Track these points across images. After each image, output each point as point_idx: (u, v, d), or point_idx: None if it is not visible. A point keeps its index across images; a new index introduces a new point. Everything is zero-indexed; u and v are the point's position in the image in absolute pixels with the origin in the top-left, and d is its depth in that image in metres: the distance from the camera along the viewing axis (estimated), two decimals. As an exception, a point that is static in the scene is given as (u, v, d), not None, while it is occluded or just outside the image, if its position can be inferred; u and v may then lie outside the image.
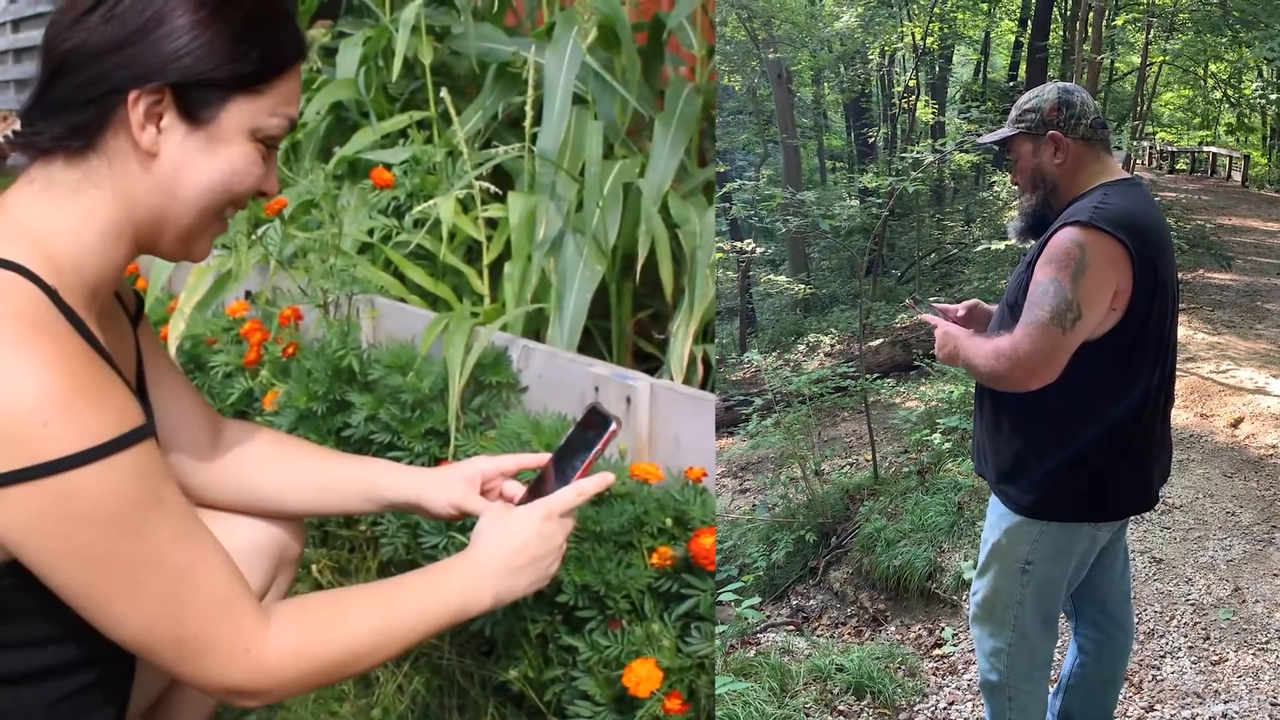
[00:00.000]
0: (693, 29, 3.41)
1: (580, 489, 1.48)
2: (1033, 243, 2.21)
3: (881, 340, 9.49)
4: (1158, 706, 3.16)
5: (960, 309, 2.43)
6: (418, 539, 2.36)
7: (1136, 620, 3.54)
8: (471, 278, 3.12)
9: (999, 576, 2.27)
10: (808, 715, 3.15)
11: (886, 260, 14.16)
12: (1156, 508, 4.43)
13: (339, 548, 2.71)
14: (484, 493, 1.62)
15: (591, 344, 3.02)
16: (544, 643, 2.10)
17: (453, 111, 3.01)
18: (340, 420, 2.62)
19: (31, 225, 1.20)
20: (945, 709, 3.28)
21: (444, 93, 3.00)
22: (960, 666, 3.62)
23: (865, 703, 3.28)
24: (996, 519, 2.25)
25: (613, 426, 1.47)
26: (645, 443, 2.29)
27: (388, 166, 3.22)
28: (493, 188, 3.00)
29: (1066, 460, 2.12)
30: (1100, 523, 2.20)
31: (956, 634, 3.97)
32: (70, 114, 1.20)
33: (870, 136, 17.73)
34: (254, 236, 2.97)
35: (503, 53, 3.41)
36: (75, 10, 1.20)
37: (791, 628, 4.49)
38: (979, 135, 2.55)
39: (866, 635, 4.54)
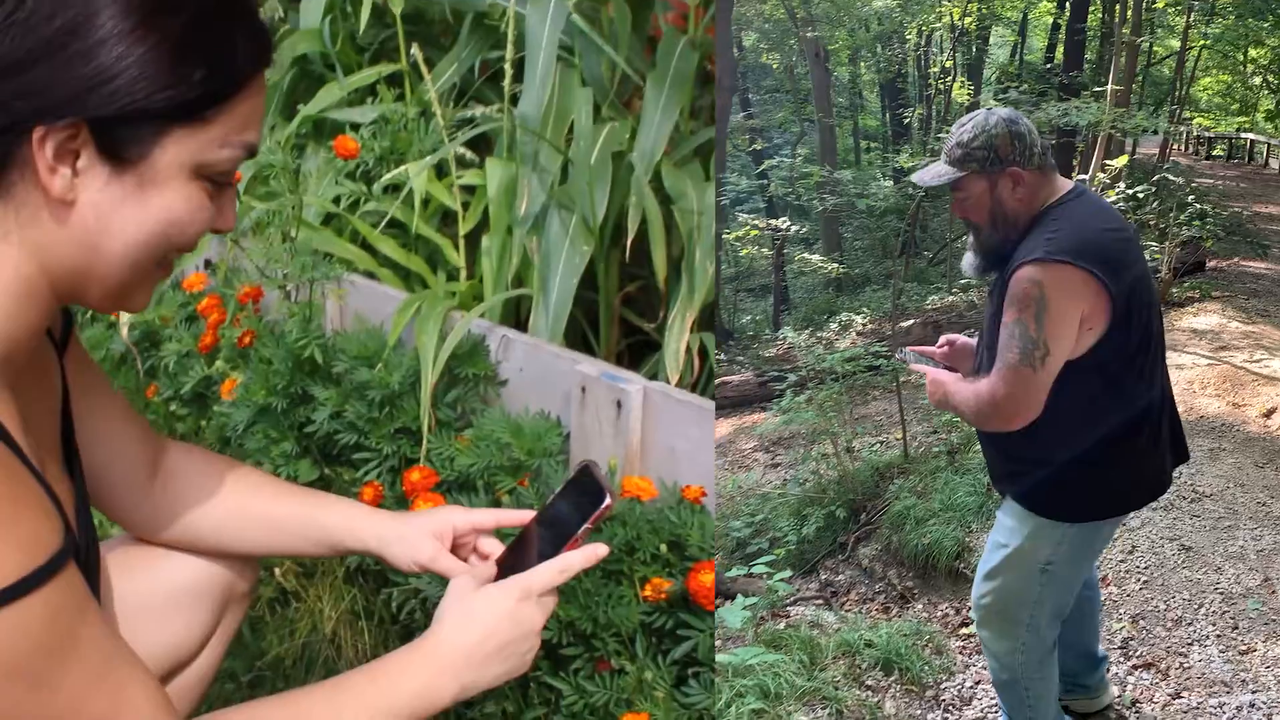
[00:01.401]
0: (687, -27, 3.13)
1: (565, 565, 1.27)
2: (994, 275, 2.20)
3: (913, 321, 9.49)
4: (1184, 694, 3.10)
5: (940, 347, 2.42)
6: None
7: (1165, 607, 3.64)
8: (446, 249, 2.88)
9: (1016, 580, 2.25)
10: (836, 688, 3.11)
11: (919, 241, 14.17)
12: (1186, 496, 4.55)
13: (304, 551, 2.51)
14: (456, 548, 1.42)
15: (573, 324, 2.78)
16: (523, 679, 1.90)
17: (424, 69, 2.75)
18: (304, 414, 2.40)
19: None
20: (971, 688, 3.23)
21: (415, 49, 2.74)
22: (988, 647, 3.59)
23: (893, 679, 3.25)
24: (1016, 523, 2.22)
25: (606, 502, 1.26)
26: (637, 453, 2.07)
27: (355, 127, 2.97)
28: (469, 153, 2.75)
29: (1081, 465, 2.10)
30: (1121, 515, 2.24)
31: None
32: None
33: (905, 117, 17.68)
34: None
35: (479, 2, 3.13)
36: None
37: (820, 602, 4.47)
38: (912, 171, 2.44)
39: (894, 612, 4.52)
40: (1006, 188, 2.11)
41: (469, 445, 2.19)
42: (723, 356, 12.05)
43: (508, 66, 2.74)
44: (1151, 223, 8.71)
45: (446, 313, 2.36)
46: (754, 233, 13.75)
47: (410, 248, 2.90)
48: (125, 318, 2.72)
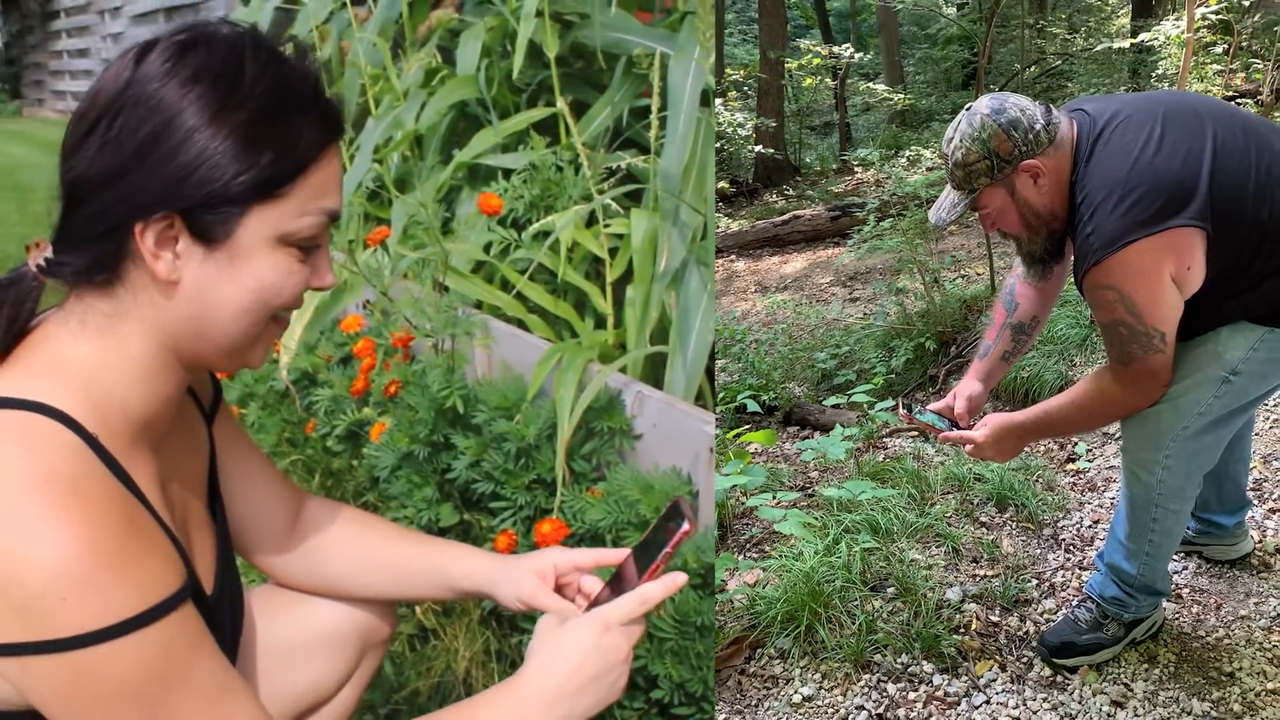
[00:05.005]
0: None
1: (644, 595, 1.40)
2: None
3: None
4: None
5: (961, 404, 2.42)
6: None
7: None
8: (594, 295, 3.11)
9: (1194, 386, 2.10)
10: (950, 525, 3.19)
11: (985, 73, 14.07)
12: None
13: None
14: (560, 587, 1.60)
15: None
16: (640, 734, 2.11)
17: (570, 120, 2.99)
18: (445, 460, 2.67)
19: (75, 363, 1.21)
20: (1091, 527, 3.22)
21: (564, 103, 2.98)
22: (1100, 484, 3.55)
23: (1008, 515, 3.31)
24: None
25: (685, 527, 1.38)
26: (759, 516, 2.26)
27: (507, 175, 3.24)
28: (614, 204, 2.98)
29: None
30: None
31: (1090, 449, 3.88)
32: (85, 248, 1.20)
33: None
34: (365, 254, 3.03)
35: (631, 45, 3.36)
36: (78, 130, 1.18)
37: (915, 434, 4.40)
38: (931, 208, 2.25)
39: (992, 445, 4.52)
40: (1028, 186, 2.05)
41: (600, 499, 2.41)
42: (792, 192, 12.66)
43: (653, 117, 2.96)
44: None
45: (586, 365, 2.59)
46: (816, 60, 13.88)
47: (559, 294, 3.15)
48: (285, 358, 3.05)
